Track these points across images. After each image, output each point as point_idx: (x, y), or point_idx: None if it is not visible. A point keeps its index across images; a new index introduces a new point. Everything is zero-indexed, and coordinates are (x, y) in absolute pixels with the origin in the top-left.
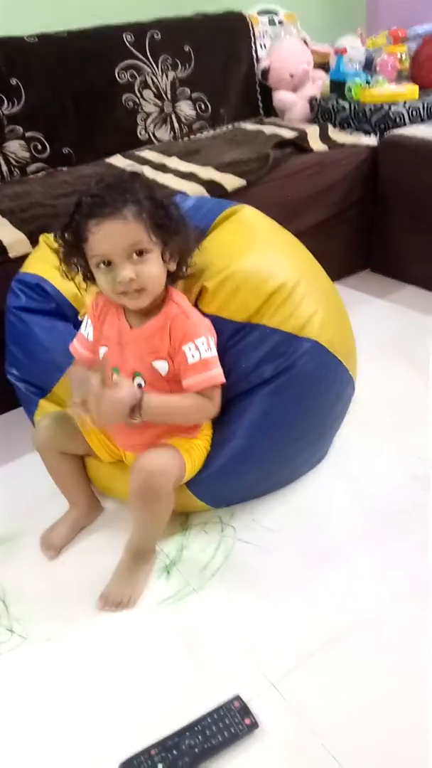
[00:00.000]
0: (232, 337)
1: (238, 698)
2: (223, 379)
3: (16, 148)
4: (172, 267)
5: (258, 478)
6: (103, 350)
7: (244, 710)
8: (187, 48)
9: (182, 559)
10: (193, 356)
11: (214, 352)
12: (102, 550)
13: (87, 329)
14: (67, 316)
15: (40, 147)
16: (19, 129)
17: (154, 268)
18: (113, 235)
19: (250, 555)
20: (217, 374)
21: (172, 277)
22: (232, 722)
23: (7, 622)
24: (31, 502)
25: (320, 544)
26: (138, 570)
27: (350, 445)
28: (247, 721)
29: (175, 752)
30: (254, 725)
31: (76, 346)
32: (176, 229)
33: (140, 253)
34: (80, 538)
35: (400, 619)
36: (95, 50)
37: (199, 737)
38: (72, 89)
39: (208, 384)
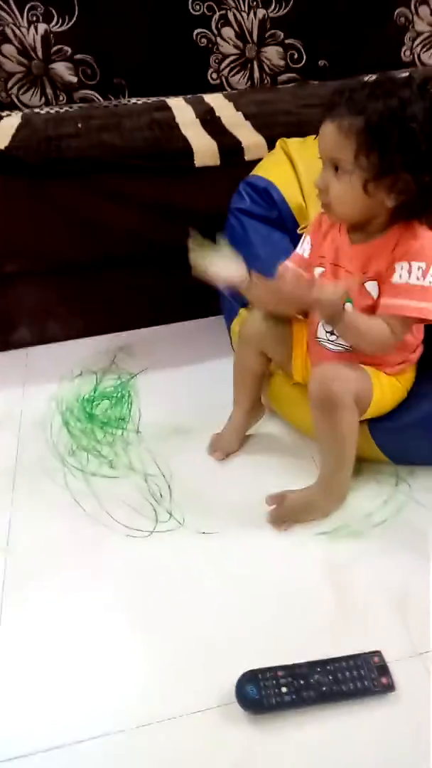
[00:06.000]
0: None
1: (378, 654)
2: (421, 314)
3: (273, 54)
4: (390, 203)
5: None
6: (318, 271)
7: (383, 669)
8: None
9: (345, 502)
10: (400, 276)
11: (427, 283)
12: (266, 473)
13: (303, 246)
14: (287, 227)
15: (296, 56)
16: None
17: (342, 190)
18: (322, 139)
19: (421, 518)
20: (415, 306)
21: (399, 214)
22: (367, 675)
23: (168, 504)
24: (213, 404)
25: None
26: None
27: None
28: (384, 680)
29: (302, 682)
30: (390, 687)
31: (286, 264)
32: (416, 165)
33: (337, 168)
34: (247, 450)
35: None
36: None
37: (330, 677)
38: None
39: (399, 312)
